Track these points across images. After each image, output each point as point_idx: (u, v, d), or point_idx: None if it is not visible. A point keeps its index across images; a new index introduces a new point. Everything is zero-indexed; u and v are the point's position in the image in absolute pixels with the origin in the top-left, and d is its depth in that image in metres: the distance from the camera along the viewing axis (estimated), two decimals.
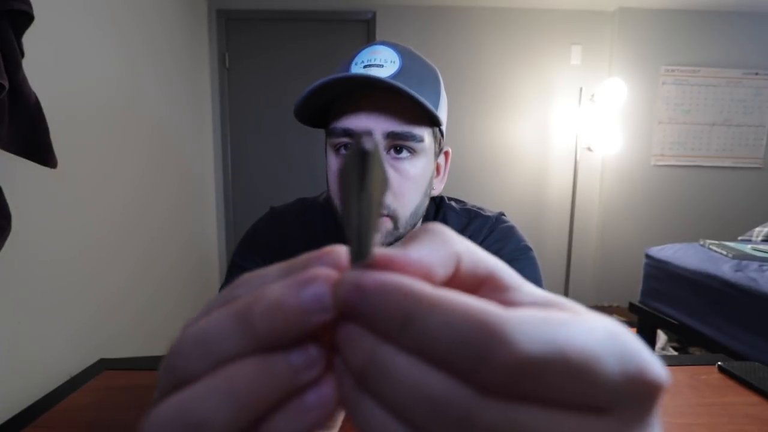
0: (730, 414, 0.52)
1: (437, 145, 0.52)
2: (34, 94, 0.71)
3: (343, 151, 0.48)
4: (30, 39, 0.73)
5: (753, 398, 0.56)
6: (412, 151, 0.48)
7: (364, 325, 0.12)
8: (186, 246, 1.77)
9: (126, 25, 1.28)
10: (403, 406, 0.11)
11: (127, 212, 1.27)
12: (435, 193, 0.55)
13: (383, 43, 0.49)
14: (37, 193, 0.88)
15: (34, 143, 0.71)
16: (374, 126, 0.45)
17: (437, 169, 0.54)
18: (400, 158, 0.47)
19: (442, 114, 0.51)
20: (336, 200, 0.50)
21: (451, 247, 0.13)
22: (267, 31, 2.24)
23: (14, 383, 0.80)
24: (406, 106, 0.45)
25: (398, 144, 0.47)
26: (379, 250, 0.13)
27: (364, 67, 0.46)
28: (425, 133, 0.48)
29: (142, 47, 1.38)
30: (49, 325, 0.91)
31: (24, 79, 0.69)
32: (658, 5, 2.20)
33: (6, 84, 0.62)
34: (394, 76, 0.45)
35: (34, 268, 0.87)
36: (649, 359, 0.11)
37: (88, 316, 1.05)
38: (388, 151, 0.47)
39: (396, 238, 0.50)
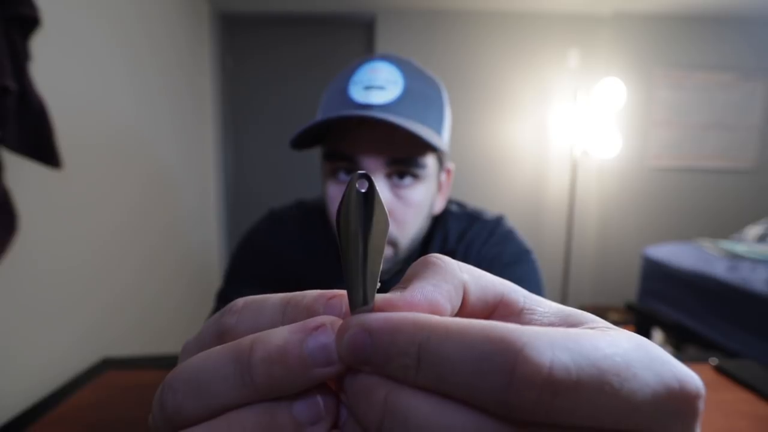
0: (723, 411, 0.53)
1: (440, 165, 0.50)
2: (41, 96, 0.71)
3: (342, 176, 0.47)
4: (37, 43, 0.73)
5: (746, 395, 0.57)
6: (415, 177, 0.46)
7: (375, 373, 0.11)
8: (188, 248, 1.77)
9: (130, 28, 1.28)
10: None
11: (131, 215, 1.28)
12: (436, 211, 0.53)
13: (384, 58, 0.46)
14: (43, 196, 0.88)
15: (40, 144, 0.71)
16: (377, 155, 0.44)
17: (439, 186, 0.53)
18: (403, 185, 0.46)
19: (446, 133, 0.49)
20: (334, 229, 0.49)
21: (455, 278, 0.13)
22: (268, 34, 2.25)
23: (20, 382, 0.80)
24: (408, 135, 0.43)
25: (401, 170, 0.45)
26: (379, 296, 0.12)
27: (365, 88, 0.44)
28: (428, 159, 0.46)
29: (146, 50, 1.39)
30: (54, 325, 0.91)
31: (30, 82, 0.70)
32: (653, 11, 2.23)
33: (13, 86, 0.63)
34: (397, 100, 0.43)
35: (40, 268, 0.87)
36: (685, 369, 0.10)
37: (92, 317, 1.05)
38: (390, 178, 0.45)
39: (394, 263, 0.49)
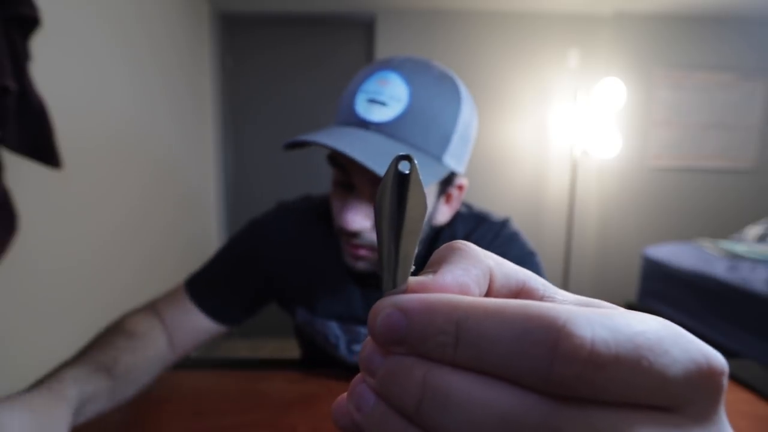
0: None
1: (441, 187, 0.49)
2: (41, 96, 0.72)
3: (338, 187, 0.48)
4: (37, 43, 0.73)
5: (746, 395, 0.57)
6: None
7: (411, 353, 0.11)
8: (188, 247, 1.77)
9: (130, 28, 1.28)
10: None
11: (130, 215, 1.28)
12: (440, 221, 0.53)
13: (397, 70, 0.45)
14: (43, 196, 0.88)
15: (40, 144, 0.71)
16: (364, 173, 0.44)
17: (448, 197, 0.52)
18: None
19: (453, 153, 0.46)
20: (335, 223, 0.49)
21: (482, 263, 0.13)
22: (268, 34, 2.25)
23: (20, 382, 0.80)
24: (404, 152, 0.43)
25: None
26: (412, 279, 0.12)
27: (368, 101, 0.44)
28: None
29: (146, 50, 1.39)
30: (54, 325, 0.91)
31: (30, 82, 0.70)
32: (653, 11, 2.23)
33: (13, 86, 0.63)
34: (396, 119, 0.43)
35: (40, 268, 0.87)
36: (709, 348, 0.10)
37: (92, 317, 1.05)
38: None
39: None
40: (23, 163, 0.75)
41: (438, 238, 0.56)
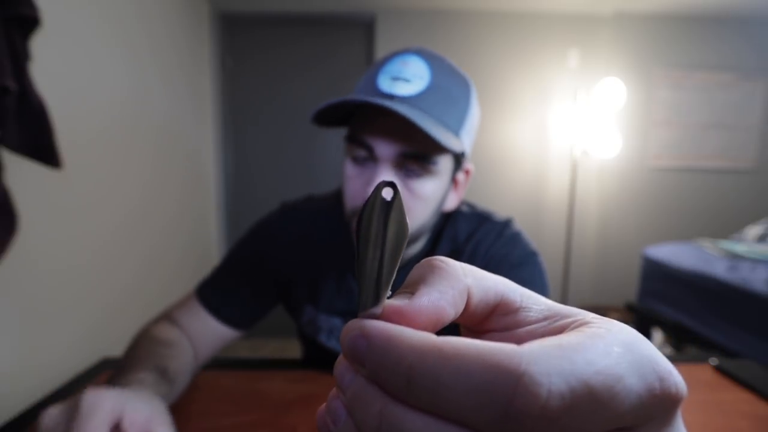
0: (723, 411, 0.53)
1: (456, 163, 0.51)
2: (41, 96, 0.72)
3: (359, 153, 0.48)
4: (37, 43, 0.73)
5: (746, 395, 0.57)
6: (426, 171, 0.47)
7: (373, 382, 0.11)
8: (188, 247, 1.77)
9: (130, 28, 1.28)
10: None
11: (131, 214, 1.28)
12: (449, 207, 0.54)
13: (417, 53, 0.48)
14: (43, 196, 0.88)
15: (40, 144, 0.71)
16: (389, 145, 0.45)
17: (455, 184, 0.53)
18: (412, 177, 0.47)
19: (468, 134, 0.50)
20: (348, 205, 0.50)
21: (460, 283, 0.13)
22: (268, 34, 2.25)
23: (20, 382, 0.80)
24: (424, 131, 0.44)
25: (412, 163, 0.46)
26: (388, 302, 0.12)
27: (392, 79, 0.45)
28: (440, 156, 0.47)
29: (146, 50, 1.39)
30: (54, 325, 0.91)
31: (30, 82, 0.70)
32: (654, 11, 2.23)
33: (13, 86, 0.63)
34: (420, 94, 0.45)
35: (40, 268, 0.87)
36: (667, 368, 0.11)
37: (92, 317, 1.05)
38: (401, 169, 0.47)
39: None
40: (23, 163, 0.75)
41: (440, 237, 0.57)
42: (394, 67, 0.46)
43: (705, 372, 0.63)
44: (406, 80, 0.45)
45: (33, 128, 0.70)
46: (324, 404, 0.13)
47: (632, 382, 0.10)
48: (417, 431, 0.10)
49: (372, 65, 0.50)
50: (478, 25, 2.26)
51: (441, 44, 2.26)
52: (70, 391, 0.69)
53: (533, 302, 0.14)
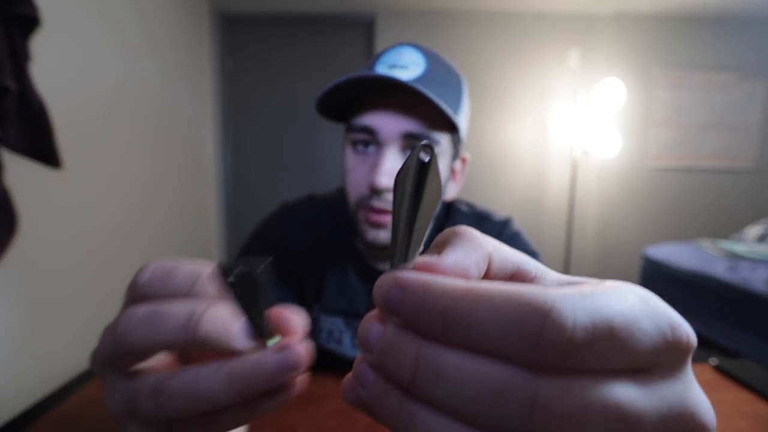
0: (723, 411, 0.53)
1: (454, 151, 0.52)
2: (41, 96, 0.72)
3: (360, 147, 0.49)
4: (37, 43, 0.73)
5: (746, 395, 0.57)
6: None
7: (405, 327, 0.12)
8: (188, 247, 1.77)
9: (131, 28, 1.28)
10: (463, 403, 0.11)
11: (131, 214, 1.28)
12: (448, 197, 0.55)
13: (411, 45, 0.49)
14: (43, 196, 0.88)
15: (40, 144, 0.71)
16: (392, 125, 0.46)
17: (453, 174, 0.54)
18: None
19: (462, 120, 0.51)
20: (352, 196, 0.50)
21: (483, 248, 0.14)
22: (268, 34, 2.25)
23: (20, 382, 0.80)
24: (426, 110, 0.46)
25: (414, 145, 0.47)
26: (418, 258, 0.13)
27: (389, 67, 0.47)
28: (442, 137, 0.48)
29: (146, 50, 1.39)
30: (54, 325, 0.91)
31: (30, 82, 0.70)
32: (654, 11, 2.23)
33: (13, 86, 0.63)
34: (418, 78, 0.46)
35: (40, 268, 0.87)
36: (678, 318, 0.12)
37: (92, 317, 1.05)
38: (405, 150, 0.48)
39: None
40: (23, 163, 0.75)
41: (441, 231, 0.56)
42: (390, 57, 0.48)
43: (705, 372, 0.63)
44: (403, 67, 0.46)
45: (33, 128, 0.70)
46: (347, 374, 0.14)
47: (647, 326, 0.11)
48: (454, 368, 0.11)
49: (366, 61, 0.52)
50: (478, 25, 2.26)
51: (441, 44, 2.25)
52: (70, 391, 0.69)
53: (546, 274, 0.15)
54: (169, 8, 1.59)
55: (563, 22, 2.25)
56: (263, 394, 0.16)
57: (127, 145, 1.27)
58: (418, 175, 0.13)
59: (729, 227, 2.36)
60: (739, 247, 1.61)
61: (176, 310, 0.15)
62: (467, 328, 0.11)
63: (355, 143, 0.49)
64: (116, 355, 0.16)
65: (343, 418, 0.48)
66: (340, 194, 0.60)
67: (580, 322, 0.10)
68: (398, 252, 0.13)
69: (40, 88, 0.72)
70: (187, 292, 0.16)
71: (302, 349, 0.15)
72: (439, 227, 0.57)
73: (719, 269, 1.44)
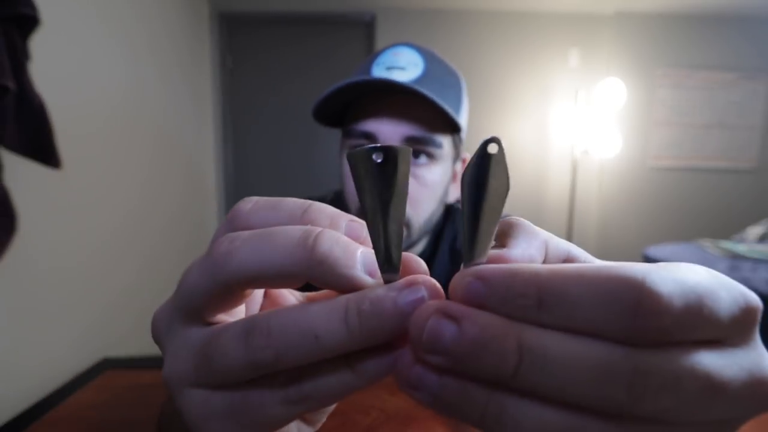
0: None
1: (456, 152, 0.51)
2: (40, 96, 0.71)
3: (361, 143, 0.47)
4: (36, 42, 0.73)
5: None
6: (431, 157, 0.46)
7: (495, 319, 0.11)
8: (188, 247, 1.77)
9: (130, 28, 1.28)
10: (568, 387, 0.10)
11: (131, 214, 1.28)
12: (450, 199, 0.54)
13: (407, 44, 0.48)
14: (43, 196, 0.88)
15: (39, 144, 0.71)
16: (393, 130, 0.45)
17: (454, 176, 0.53)
18: (418, 164, 0.46)
19: (463, 121, 0.50)
20: (353, 205, 0.49)
21: (540, 236, 0.14)
22: (268, 34, 2.25)
23: (20, 382, 0.80)
24: (427, 112, 0.44)
25: (417, 149, 0.46)
26: (491, 251, 0.13)
27: (387, 69, 0.45)
28: (445, 140, 0.47)
29: (146, 50, 1.39)
30: (54, 325, 0.91)
31: (29, 82, 0.70)
32: (655, 10, 2.23)
33: (12, 86, 0.63)
34: (417, 80, 0.45)
35: (39, 268, 0.87)
36: (745, 288, 0.12)
37: (92, 317, 1.05)
38: None
39: (408, 245, 0.49)
40: (23, 163, 0.75)
41: (441, 237, 0.56)
42: (387, 58, 0.47)
43: None
44: (401, 68, 0.45)
45: (32, 128, 0.70)
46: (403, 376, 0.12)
47: (724, 295, 0.11)
48: (558, 350, 0.10)
49: (361, 62, 0.49)
50: (478, 25, 2.25)
51: (441, 44, 2.25)
52: (70, 391, 0.69)
53: (593, 260, 0.15)
54: (168, 8, 1.59)
55: (564, 22, 2.24)
56: (379, 348, 0.13)
57: (127, 145, 1.27)
58: (484, 169, 0.12)
59: (730, 227, 2.35)
60: (740, 247, 1.61)
61: (289, 230, 0.13)
62: (565, 307, 0.10)
63: (354, 148, 0.48)
64: (204, 291, 0.13)
65: (343, 418, 0.48)
66: (338, 197, 0.60)
67: (673, 291, 0.10)
68: (468, 248, 0.13)
69: (39, 88, 0.72)
70: (298, 222, 0.14)
71: (437, 289, 0.12)
72: (439, 229, 0.57)
73: (720, 269, 1.43)
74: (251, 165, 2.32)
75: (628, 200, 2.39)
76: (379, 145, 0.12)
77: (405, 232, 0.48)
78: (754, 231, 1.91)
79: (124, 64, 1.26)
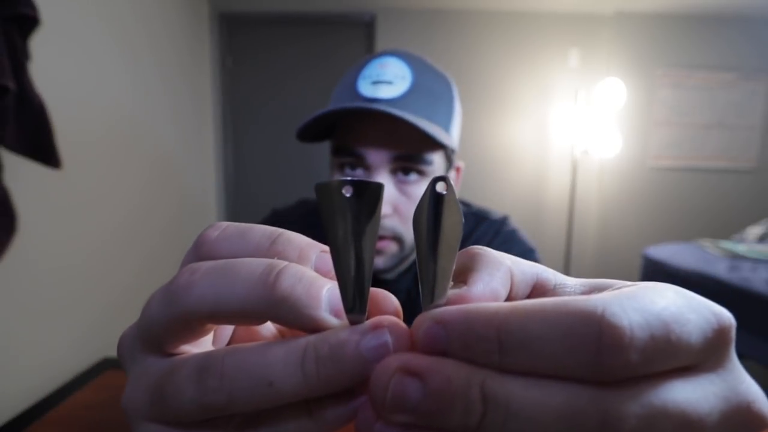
0: None
1: (448, 163, 0.50)
2: (40, 96, 0.72)
3: (347, 171, 0.47)
4: (36, 43, 0.73)
5: None
6: (422, 174, 0.46)
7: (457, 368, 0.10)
8: (188, 247, 1.77)
9: (130, 28, 1.28)
10: None
11: (131, 213, 1.28)
12: None
13: (393, 54, 0.47)
14: (43, 196, 0.88)
15: (40, 144, 0.71)
16: (380, 150, 0.44)
17: None
18: (409, 181, 0.46)
19: (455, 128, 0.49)
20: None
21: (504, 265, 0.13)
22: (268, 34, 2.25)
23: (20, 382, 0.80)
24: (415, 130, 0.43)
25: (407, 167, 0.45)
26: (450, 292, 0.12)
27: (372, 83, 0.44)
28: (435, 155, 0.46)
29: (146, 50, 1.39)
30: (54, 325, 0.91)
31: (30, 82, 0.70)
32: (655, 10, 2.23)
33: (12, 86, 0.63)
34: (404, 95, 0.43)
35: (39, 268, 0.87)
36: (716, 305, 0.11)
37: (92, 317, 1.05)
38: (395, 174, 0.45)
39: (400, 260, 0.49)
40: (23, 163, 0.75)
41: None
42: (373, 70, 0.45)
43: None
44: (388, 82, 0.44)
45: (32, 128, 0.70)
46: None
47: (693, 318, 0.11)
48: (522, 398, 0.10)
49: (347, 72, 0.48)
50: (478, 25, 2.26)
51: (441, 44, 2.25)
52: (70, 391, 0.69)
53: (565, 280, 0.14)
54: (168, 8, 1.59)
55: (564, 22, 2.25)
56: (340, 394, 0.12)
57: (126, 145, 1.27)
58: (436, 209, 0.12)
59: (730, 227, 2.35)
60: (740, 247, 1.61)
61: (252, 263, 0.12)
62: (526, 349, 0.10)
63: (342, 165, 0.47)
64: (162, 323, 0.12)
65: None
66: None
67: (635, 322, 0.10)
68: (426, 290, 0.12)
69: (39, 88, 0.72)
70: (264, 253, 0.13)
71: (403, 332, 0.11)
72: None
73: (720, 269, 1.44)
74: (251, 165, 2.32)
75: (628, 200, 2.39)
76: (349, 178, 0.11)
77: (396, 248, 0.47)
78: (754, 231, 1.91)
79: (124, 64, 1.26)
